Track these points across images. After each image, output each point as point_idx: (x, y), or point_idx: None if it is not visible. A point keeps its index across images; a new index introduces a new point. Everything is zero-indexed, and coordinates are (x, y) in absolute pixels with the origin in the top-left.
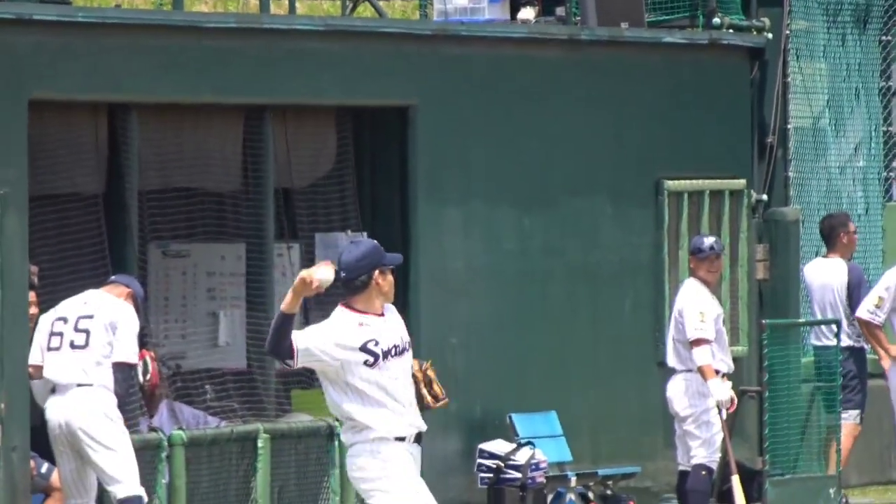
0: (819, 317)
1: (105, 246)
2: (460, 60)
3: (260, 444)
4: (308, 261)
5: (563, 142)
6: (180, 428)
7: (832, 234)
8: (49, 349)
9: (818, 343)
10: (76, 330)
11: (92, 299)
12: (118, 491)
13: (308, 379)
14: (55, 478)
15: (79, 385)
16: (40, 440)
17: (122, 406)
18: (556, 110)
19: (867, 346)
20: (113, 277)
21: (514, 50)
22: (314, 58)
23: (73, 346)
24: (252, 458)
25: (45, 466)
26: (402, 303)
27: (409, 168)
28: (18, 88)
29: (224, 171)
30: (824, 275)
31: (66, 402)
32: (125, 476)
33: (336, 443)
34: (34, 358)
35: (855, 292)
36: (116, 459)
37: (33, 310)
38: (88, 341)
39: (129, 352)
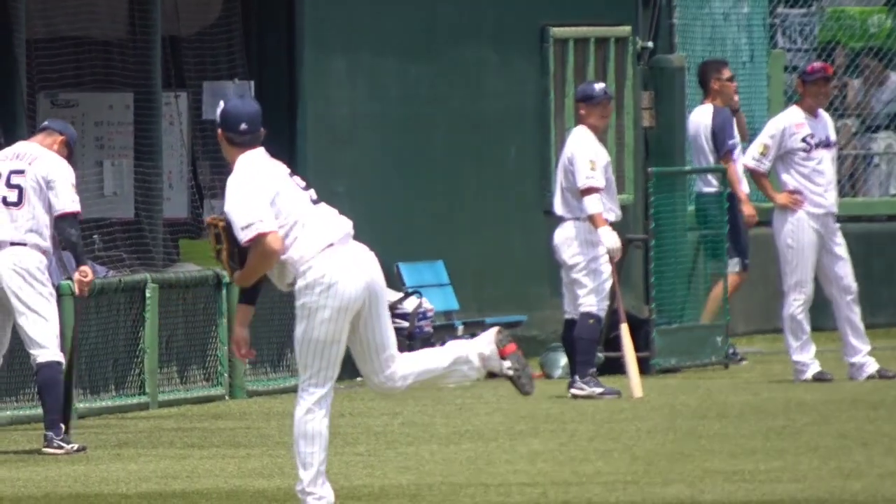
0: (693, 163)
1: None
2: None
3: (148, 293)
4: (195, 109)
5: None
6: (69, 277)
7: (704, 82)
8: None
9: (704, 190)
10: (9, 186)
11: (24, 151)
12: (39, 355)
13: (195, 229)
14: None
15: (12, 244)
16: None
17: (77, 255)
18: None
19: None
20: (45, 123)
21: None
22: None
23: (6, 202)
24: (140, 308)
25: None
26: (289, 150)
27: (296, 16)
28: None
29: (110, 18)
30: (694, 121)
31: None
32: (47, 340)
33: (224, 292)
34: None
35: (719, 137)
36: (39, 323)
37: None
38: (21, 198)
39: (70, 201)
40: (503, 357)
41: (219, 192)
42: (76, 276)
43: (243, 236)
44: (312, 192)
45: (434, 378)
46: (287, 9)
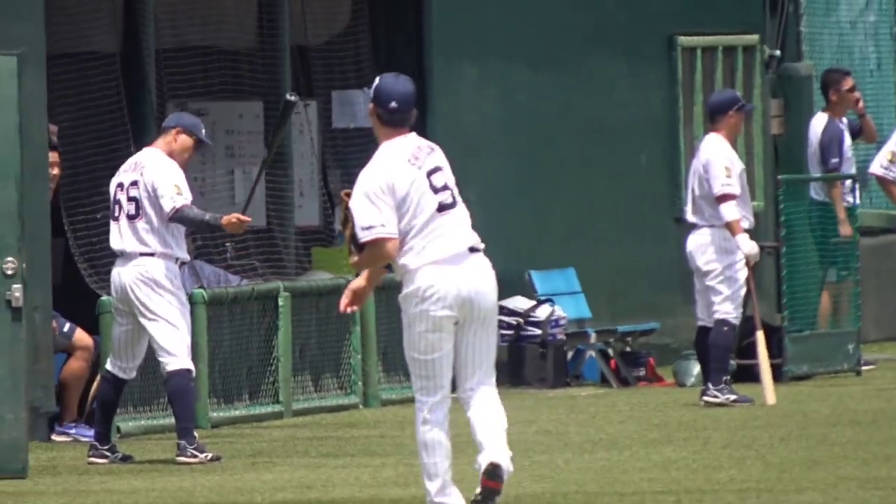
0: (810, 171)
1: (123, 105)
2: None
3: (281, 302)
4: (325, 118)
5: None
6: (201, 286)
7: (825, 91)
8: (112, 218)
9: (813, 197)
10: (129, 199)
11: (139, 160)
12: (169, 363)
13: (328, 237)
14: (78, 337)
15: (140, 254)
16: (62, 299)
17: (210, 227)
18: None
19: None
20: (164, 122)
21: None
22: None
23: (129, 216)
24: (273, 317)
25: (66, 326)
26: None
27: (424, 24)
28: None
29: (238, 28)
30: (810, 130)
31: (127, 269)
32: (177, 348)
33: None
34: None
35: (825, 152)
36: (169, 331)
37: (55, 170)
38: (139, 211)
39: (169, 199)
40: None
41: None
42: (230, 221)
43: (362, 236)
44: (447, 196)
45: (480, 431)
46: (415, 16)
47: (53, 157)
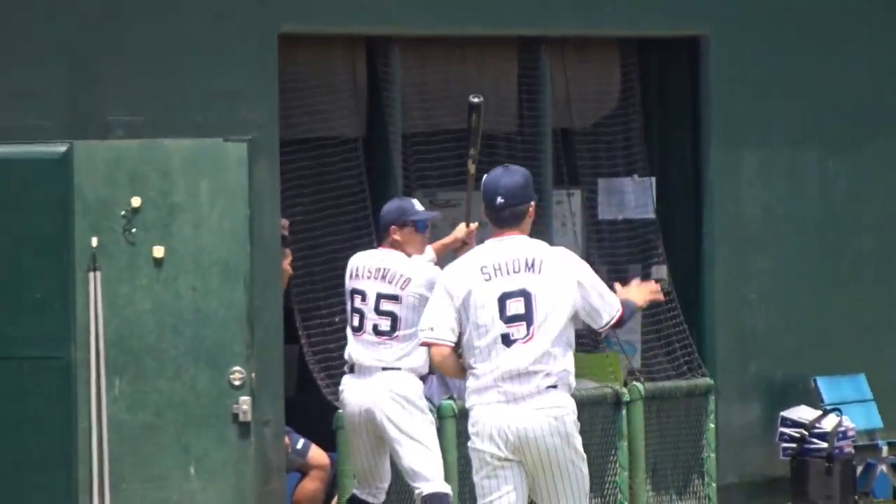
0: None
1: (366, 196)
2: None
3: None
4: (590, 209)
5: (869, 78)
6: (451, 397)
7: None
8: (353, 329)
9: None
10: (378, 313)
11: (391, 267)
12: (424, 488)
13: (591, 341)
14: (312, 454)
15: (384, 369)
16: (295, 413)
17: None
18: (862, 44)
19: None
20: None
21: None
22: None
23: (377, 331)
24: None
25: (300, 442)
26: (695, 254)
27: (702, 106)
28: (267, 22)
29: (497, 110)
30: None
31: (369, 385)
32: (431, 471)
33: (623, 411)
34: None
35: None
36: (422, 453)
37: (287, 269)
38: (396, 328)
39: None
40: None
41: None
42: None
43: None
44: (517, 331)
45: None
46: (691, 96)
47: (286, 253)
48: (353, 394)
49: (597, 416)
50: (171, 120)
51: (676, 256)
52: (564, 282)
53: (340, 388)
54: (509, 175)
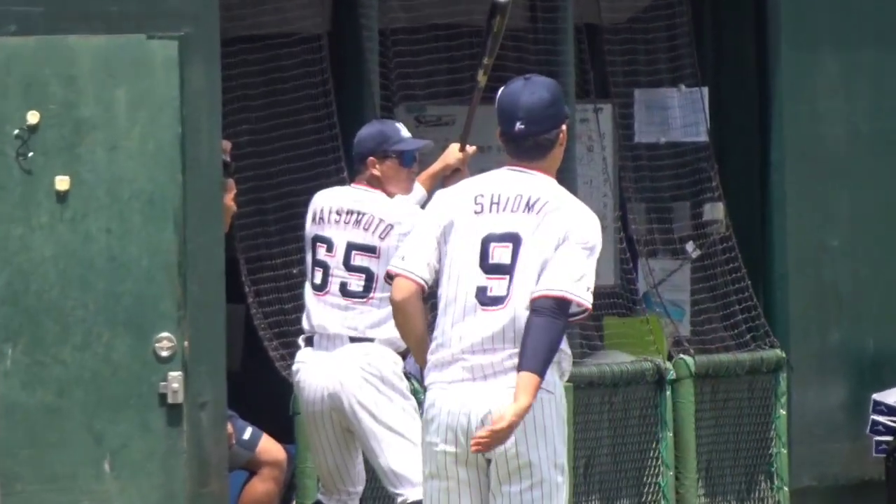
0: None
1: (333, 111)
2: None
3: None
4: (624, 128)
5: None
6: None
7: None
8: (313, 286)
9: None
10: (349, 269)
11: (367, 209)
12: (409, 495)
13: (628, 301)
14: (263, 447)
15: (353, 340)
16: (241, 393)
17: None
18: None
19: None
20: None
21: None
22: None
23: (345, 292)
24: None
25: (248, 431)
26: (760, 187)
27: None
28: None
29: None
30: None
31: (333, 362)
32: (417, 473)
33: (667, 392)
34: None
35: None
36: (404, 448)
37: (231, 204)
38: (371, 289)
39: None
40: None
41: (659, 247)
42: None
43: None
44: (497, 286)
45: None
46: None
47: (228, 185)
48: (314, 373)
49: (633, 400)
50: (77, 9)
51: (736, 191)
52: (555, 235)
53: (295, 365)
54: (532, 90)
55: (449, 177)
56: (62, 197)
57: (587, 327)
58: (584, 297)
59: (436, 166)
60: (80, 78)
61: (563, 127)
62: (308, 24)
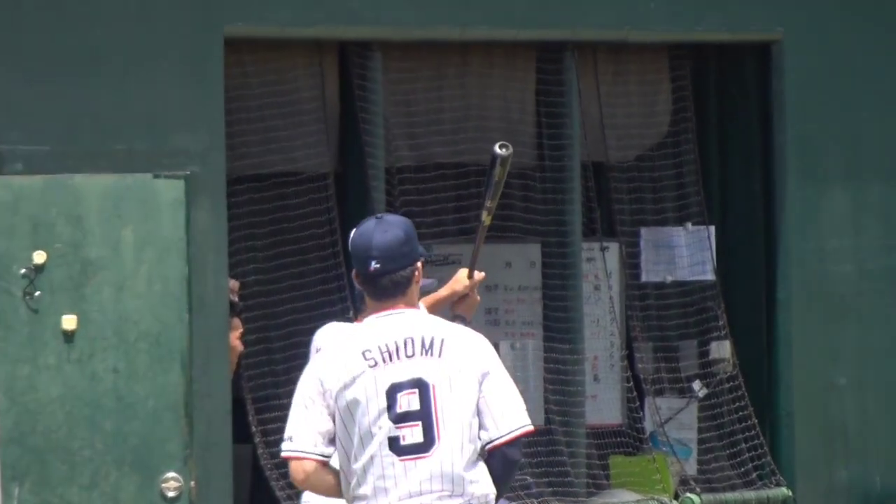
0: None
1: (339, 250)
2: None
3: None
4: (631, 268)
5: None
6: None
7: None
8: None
9: None
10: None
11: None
12: None
13: (634, 440)
14: None
15: None
16: None
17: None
18: None
19: None
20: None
21: None
22: None
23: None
24: None
25: None
26: (768, 326)
27: (775, 132)
28: (209, 22)
29: (509, 138)
30: None
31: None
32: None
33: None
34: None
35: None
36: None
37: (234, 341)
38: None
39: None
40: None
41: (665, 386)
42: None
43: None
44: (413, 433)
45: None
46: (760, 120)
47: (235, 324)
48: None
49: None
50: (83, 148)
51: (743, 330)
52: (471, 372)
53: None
54: (385, 228)
55: (456, 302)
56: (69, 337)
57: (593, 465)
58: (526, 420)
59: (443, 292)
60: (87, 217)
61: (419, 265)
62: (314, 163)
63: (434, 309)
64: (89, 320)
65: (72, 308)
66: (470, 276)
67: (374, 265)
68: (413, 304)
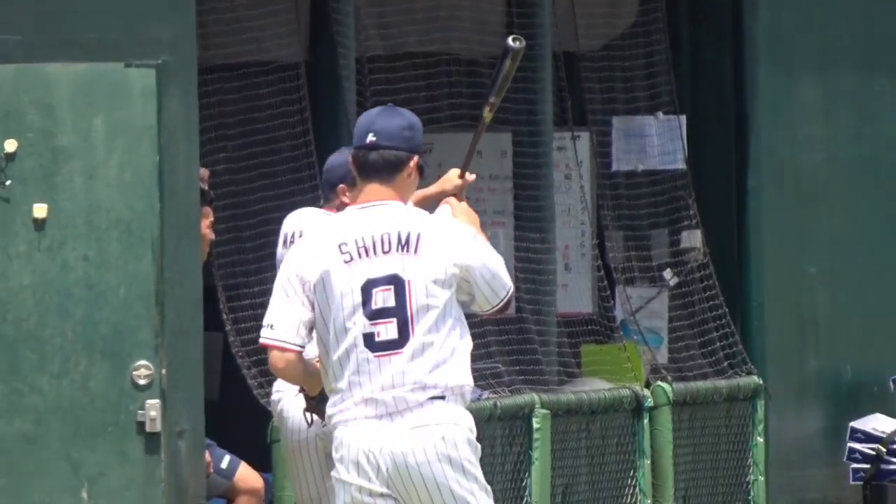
0: None
1: (310, 139)
2: None
3: (536, 423)
4: (602, 157)
5: None
6: None
7: None
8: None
9: None
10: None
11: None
12: None
13: (605, 329)
14: (242, 475)
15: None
16: (218, 421)
17: None
18: None
19: None
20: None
21: None
22: None
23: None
24: (525, 443)
25: (226, 459)
26: (737, 213)
27: (746, 20)
28: None
29: (479, 29)
30: None
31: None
32: None
33: (645, 420)
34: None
35: None
36: None
37: (205, 230)
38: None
39: None
40: None
41: (636, 275)
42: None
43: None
44: (388, 330)
45: None
46: (732, 12)
47: (205, 213)
48: (296, 404)
49: (611, 427)
50: (55, 37)
51: (714, 219)
52: (447, 264)
53: (276, 394)
54: (391, 113)
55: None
56: (40, 225)
57: (565, 354)
58: (509, 284)
59: (431, 189)
60: (58, 106)
61: (416, 158)
62: (285, 52)
63: (422, 205)
64: (60, 209)
65: (42, 196)
66: (461, 176)
67: (370, 137)
68: (400, 196)
